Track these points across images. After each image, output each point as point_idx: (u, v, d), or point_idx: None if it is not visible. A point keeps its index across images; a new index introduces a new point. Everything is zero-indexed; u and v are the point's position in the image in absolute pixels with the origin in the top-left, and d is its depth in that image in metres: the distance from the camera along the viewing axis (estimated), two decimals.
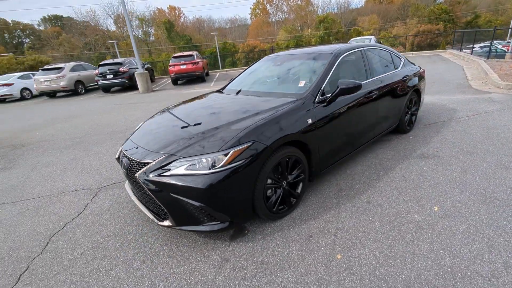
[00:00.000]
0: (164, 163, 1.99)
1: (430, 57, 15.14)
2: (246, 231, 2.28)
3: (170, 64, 13.83)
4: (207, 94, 3.49)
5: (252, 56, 27.77)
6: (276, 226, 2.31)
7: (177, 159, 1.98)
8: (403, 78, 3.72)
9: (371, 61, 3.38)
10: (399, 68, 3.84)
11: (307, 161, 2.49)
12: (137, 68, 12.84)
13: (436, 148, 3.51)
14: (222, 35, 51.72)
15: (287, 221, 2.36)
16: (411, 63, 4.30)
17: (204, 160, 1.93)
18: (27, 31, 51.75)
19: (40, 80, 13.34)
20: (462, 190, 2.56)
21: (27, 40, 51.97)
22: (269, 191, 2.27)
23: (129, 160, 2.25)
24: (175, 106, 3.23)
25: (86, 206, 2.91)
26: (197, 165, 1.93)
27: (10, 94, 14.01)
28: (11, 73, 18.18)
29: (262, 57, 3.88)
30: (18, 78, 14.66)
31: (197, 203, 1.91)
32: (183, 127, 2.41)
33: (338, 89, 2.57)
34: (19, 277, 1.99)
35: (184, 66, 13.49)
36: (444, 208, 2.34)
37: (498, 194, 2.46)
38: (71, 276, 1.95)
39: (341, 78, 2.88)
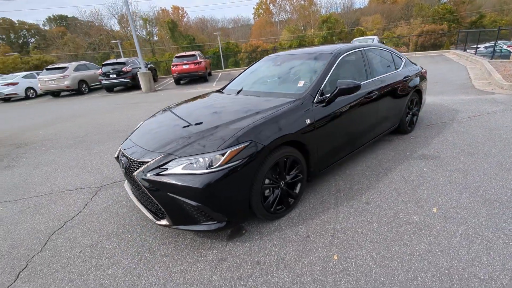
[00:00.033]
0: (161, 163, 2.00)
1: (434, 57, 15.04)
2: (243, 231, 2.28)
3: (172, 64, 13.88)
4: (207, 94, 3.50)
5: (255, 56, 27.80)
6: (274, 226, 2.31)
7: (174, 159, 1.99)
8: (404, 78, 3.70)
9: (371, 61, 3.37)
10: (400, 69, 3.82)
11: (305, 162, 2.48)
12: (140, 68, 12.90)
13: (437, 149, 3.48)
14: (225, 35, 51.80)
15: (285, 221, 2.36)
16: (412, 63, 4.27)
17: (201, 159, 1.94)
18: (33, 31, 52.27)
19: (45, 80, 13.46)
20: (462, 192, 2.54)
21: (33, 40, 52.48)
22: (267, 191, 2.27)
23: (128, 159, 2.26)
24: (174, 106, 3.24)
25: (86, 205, 2.93)
26: (195, 165, 1.93)
27: (15, 93, 14.15)
28: (16, 72, 18.40)
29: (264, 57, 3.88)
30: (22, 77, 14.81)
31: (194, 203, 1.92)
32: (181, 127, 2.42)
33: (337, 90, 2.56)
34: (18, 274, 2.01)
35: (187, 66, 13.53)
36: (443, 209, 2.32)
37: (499, 195, 2.44)
38: (69, 274, 1.97)
39: (341, 78, 2.87)
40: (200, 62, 13.77)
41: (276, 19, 57.08)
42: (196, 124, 2.38)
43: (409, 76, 3.83)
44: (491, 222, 2.12)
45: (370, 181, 2.89)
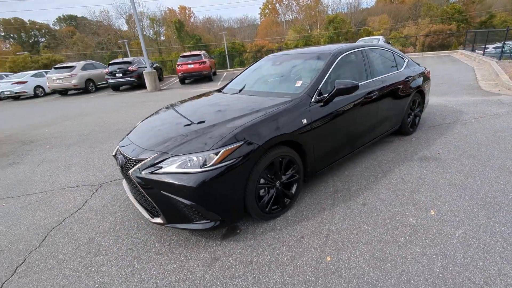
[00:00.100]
0: (156, 161, 2.02)
1: (441, 57, 14.81)
2: (238, 231, 2.28)
3: (177, 63, 13.99)
4: (206, 93, 3.51)
5: (260, 56, 27.74)
6: (269, 226, 2.31)
7: (169, 157, 2.00)
8: (405, 78, 3.65)
9: (372, 61, 3.33)
10: (402, 69, 3.77)
11: (302, 162, 2.47)
12: (146, 67, 13.03)
13: (439, 151, 3.43)
14: (231, 35, 51.88)
15: (280, 222, 2.35)
16: (415, 63, 4.22)
17: (195, 158, 1.94)
18: (43, 31, 53.21)
19: (53, 78, 13.71)
20: (462, 194, 2.50)
21: (43, 39, 53.42)
22: (262, 191, 2.27)
23: (124, 157, 2.28)
24: (173, 105, 3.26)
25: (85, 202, 2.97)
26: (188, 164, 1.94)
27: (24, 92, 14.44)
28: (25, 71, 18.75)
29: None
30: (32, 76, 15.10)
31: (187, 202, 1.93)
32: (177, 125, 2.44)
33: (335, 89, 2.54)
34: (15, 269, 2.05)
35: (192, 66, 13.61)
36: (441, 212, 2.28)
37: (499, 199, 2.39)
38: (64, 270, 2.00)
39: (341, 78, 2.85)
40: (205, 61, 13.84)
41: (282, 19, 56.95)
42: (193, 123, 2.39)
43: (411, 76, 3.77)
44: (490, 226, 2.07)
45: (369, 182, 2.86)
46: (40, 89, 15.00)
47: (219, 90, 3.52)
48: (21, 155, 4.83)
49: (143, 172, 2.02)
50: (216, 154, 1.94)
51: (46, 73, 15.26)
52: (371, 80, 3.18)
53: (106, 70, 13.92)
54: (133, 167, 2.11)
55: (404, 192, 2.62)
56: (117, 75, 13.49)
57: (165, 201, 1.98)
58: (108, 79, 13.66)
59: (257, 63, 3.81)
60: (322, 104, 2.58)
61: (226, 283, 1.78)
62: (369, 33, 30.55)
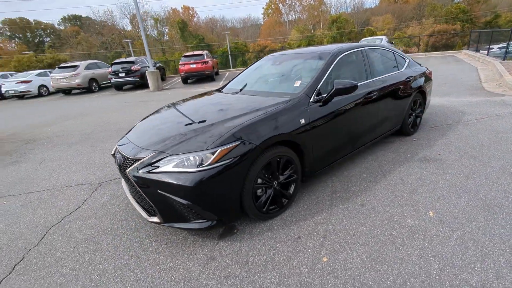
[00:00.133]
0: (153, 160, 2.02)
1: (444, 57, 14.69)
2: (235, 230, 2.28)
3: (180, 63, 14.03)
4: (206, 93, 3.52)
5: (262, 56, 27.76)
6: (266, 226, 2.30)
7: (166, 156, 2.00)
8: (406, 79, 3.63)
9: (372, 61, 3.31)
10: (403, 69, 3.75)
11: (300, 162, 2.46)
12: (149, 66, 13.08)
13: (439, 152, 3.40)
14: (234, 35, 51.94)
15: (277, 222, 2.35)
16: (417, 63, 4.19)
17: (191, 158, 1.95)
18: (48, 30, 53.64)
19: (57, 78, 13.82)
20: (461, 196, 2.47)
21: (48, 39, 53.86)
22: (259, 190, 2.27)
23: (122, 156, 2.29)
24: (171, 105, 3.26)
25: (85, 201, 2.99)
26: (185, 163, 1.94)
27: (29, 91, 14.57)
28: (30, 70, 18.93)
29: None
30: (36, 75, 15.23)
31: (184, 201, 1.93)
32: (175, 125, 2.44)
33: (334, 89, 2.53)
34: (14, 267, 2.07)
35: (194, 65, 13.64)
36: (440, 213, 2.26)
37: (499, 200, 2.36)
38: (61, 268, 2.01)
39: (340, 78, 2.84)
40: (207, 61, 13.87)
41: (286, 19, 56.89)
42: (190, 123, 2.39)
43: (412, 76, 3.75)
44: (489, 228, 2.05)
45: (368, 183, 2.84)
46: (44, 88, 15.12)
47: (218, 90, 3.53)
48: (23, 154, 4.88)
49: (140, 171, 2.02)
50: (213, 153, 1.94)
51: (50, 72, 15.38)
52: (371, 80, 3.17)
53: (109, 69, 14.00)
54: (131, 166, 2.12)
55: (403, 193, 2.61)
56: (120, 74, 13.57)
57: (162, 200, 1.99)
58: (111, 78, 13.74)
59: (257, 62, 3.81)
60: (321, 104, 2.57)
61: (221, 282, 1.78)
62: (372, 33, 30.39)
